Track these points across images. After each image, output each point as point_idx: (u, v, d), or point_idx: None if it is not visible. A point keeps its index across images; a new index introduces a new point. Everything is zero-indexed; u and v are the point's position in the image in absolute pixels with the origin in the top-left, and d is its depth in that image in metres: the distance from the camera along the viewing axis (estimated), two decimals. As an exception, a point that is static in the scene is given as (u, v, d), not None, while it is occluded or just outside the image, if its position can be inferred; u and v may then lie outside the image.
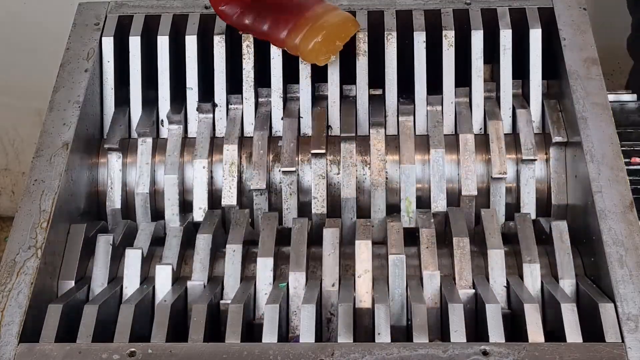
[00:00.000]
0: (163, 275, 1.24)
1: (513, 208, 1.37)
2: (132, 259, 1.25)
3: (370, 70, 1.42)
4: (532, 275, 1.22)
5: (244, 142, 1.42)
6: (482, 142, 1.39)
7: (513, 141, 1.39)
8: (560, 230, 1.24)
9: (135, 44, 1.45)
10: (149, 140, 1.40)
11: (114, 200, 1.39)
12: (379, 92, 1.45)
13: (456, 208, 1.33)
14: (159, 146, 1.42)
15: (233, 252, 1.25)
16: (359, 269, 1.22)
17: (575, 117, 1.30)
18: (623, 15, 2.14)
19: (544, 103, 1.40)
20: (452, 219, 1.29)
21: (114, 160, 1.40)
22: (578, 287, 1.20)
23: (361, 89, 1.42)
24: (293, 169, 1.36)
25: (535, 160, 1.35)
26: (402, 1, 1.47)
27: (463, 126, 1.39)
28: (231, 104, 1.44)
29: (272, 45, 1.42)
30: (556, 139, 1.35)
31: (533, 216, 1.33)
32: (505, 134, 1.38)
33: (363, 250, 1.23)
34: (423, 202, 1.36)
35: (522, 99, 1.44)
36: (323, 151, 1.37)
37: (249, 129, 1.42)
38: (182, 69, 1.44)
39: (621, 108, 1.51)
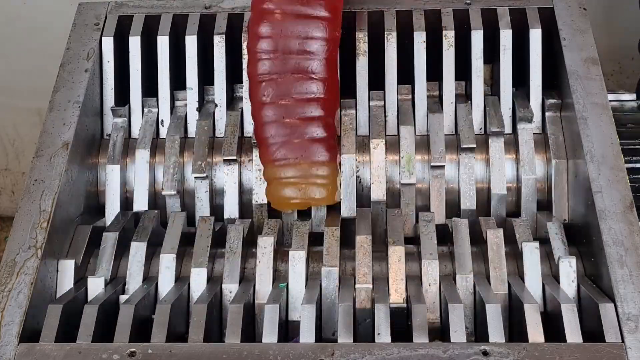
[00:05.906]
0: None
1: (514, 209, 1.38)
2: (136, 253, 1.26)
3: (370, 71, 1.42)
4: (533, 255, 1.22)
5: (244, 142, 1.42)
6: (483, 143, 1.39)
7: (513, 141, 1.39)
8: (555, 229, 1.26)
9: (135, 44, 1.45)
10: (148, 149, 1.40)
11: (114, 202, 1.39)
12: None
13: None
14: (158, 146, 1.42)
15: (232, 252, 1.26)
16: (359, 268, 1.22)
17: (575, 117, 1.30)
18: (623, 15, 2.14)
19: (544, 103, 1.41)
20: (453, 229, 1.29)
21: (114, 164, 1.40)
22: (578, 287, 1.20)
23: (361, 89, 1.42)
24: None
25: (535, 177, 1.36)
26: (402, 1, 1.47)
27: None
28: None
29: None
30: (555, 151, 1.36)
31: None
32: (505, 134, 1.38)
33: (363, 248, 1.24)
34: (424, 206, 1.37)
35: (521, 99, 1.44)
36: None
37: (248, 129, 1.42)
38: (182, 69, 1.44)
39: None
